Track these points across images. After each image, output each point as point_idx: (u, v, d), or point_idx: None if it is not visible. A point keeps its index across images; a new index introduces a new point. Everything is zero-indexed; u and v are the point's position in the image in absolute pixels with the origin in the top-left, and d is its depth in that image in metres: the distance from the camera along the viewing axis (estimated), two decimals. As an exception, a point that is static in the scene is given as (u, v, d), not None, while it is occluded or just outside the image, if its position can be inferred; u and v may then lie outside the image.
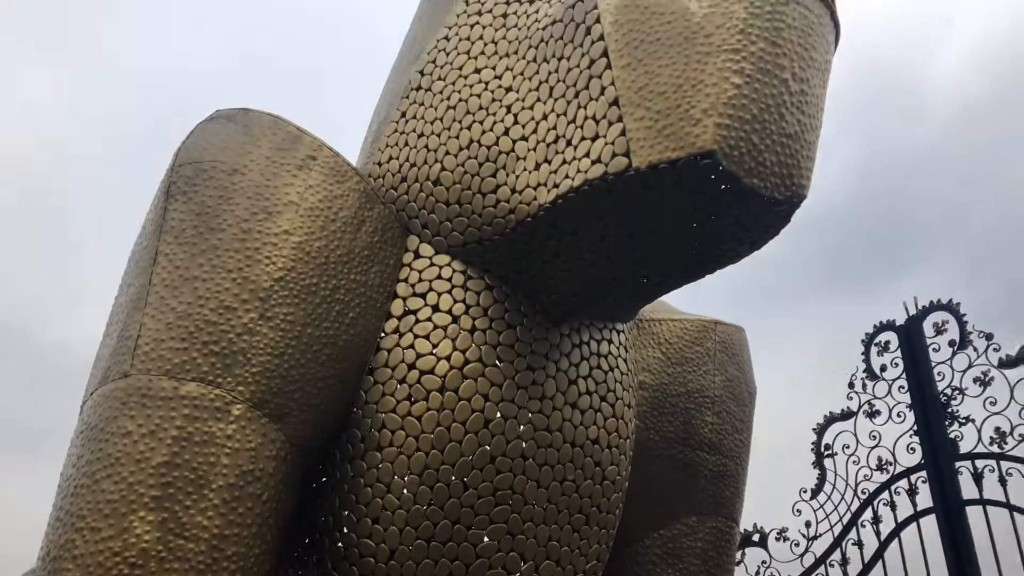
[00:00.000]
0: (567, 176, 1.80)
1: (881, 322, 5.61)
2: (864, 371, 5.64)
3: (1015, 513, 4.62)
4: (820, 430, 5.82)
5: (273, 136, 2.04)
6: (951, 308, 5.30)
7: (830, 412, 5.80)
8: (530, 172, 1.90)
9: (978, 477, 4.86)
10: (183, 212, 1.92)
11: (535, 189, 1.88)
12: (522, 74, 1.98)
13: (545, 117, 1.89)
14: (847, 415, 5.70)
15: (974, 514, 4.89)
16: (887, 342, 5.58)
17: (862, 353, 5.67)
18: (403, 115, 2.21)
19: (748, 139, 1.62)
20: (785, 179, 1.68)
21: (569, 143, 1.81)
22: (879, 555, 5.22)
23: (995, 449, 4.83)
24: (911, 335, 5.44)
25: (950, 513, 4.96)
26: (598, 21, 1.79)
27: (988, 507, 4.79)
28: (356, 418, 2.04)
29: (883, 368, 5.56)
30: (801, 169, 1.70)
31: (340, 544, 2.02)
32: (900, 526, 5.17)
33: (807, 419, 6.02)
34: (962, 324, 5.22)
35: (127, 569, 1.61)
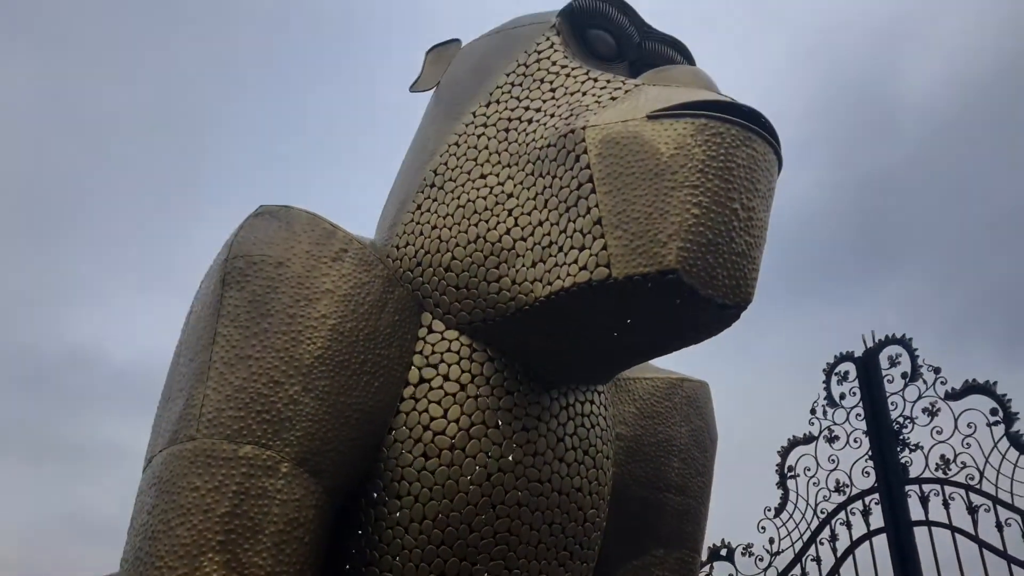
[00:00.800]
0: (559, 277, 2.18)
1: (841, 353, 6.02)
2: (825, 399, 6.05)
3: (956, 534, 5.04)
4: (784, 453, 6.22)
5: (311, 232, 2.41)
6: (904, 343, 5.72)
7: (793, 436, 6.20)
8: (528, 268, 2.27)
9: (924, 500, 5.28)
10: (237, 300, 2.28)
11: (532, 283, 2.26)
12: (521, 184, 2.35)
13: (540, 224, 2.27)
14: (809, 439, 6.11)
15: (920, 534, 5.30)
16: (846, 372, 5.99)
17: (823, 382, 6.08)
18: (418, 207, 2.57)
19: (704, 259, 2.00)
20: (734, 289, 2.06)
21: (561, 249, 2.19)
22: (835, 570, 5.63)
23: (940, 475, 5.25)
24: (868, 367, 5.87)
25: (899, 532, 5.38)
26: (585, 152, 2.16)
27: (933, 528, 5.22)
28: (379, 470, 2.40)
29: (842, 396, 5.97)
30: (747, 281, 2.09)
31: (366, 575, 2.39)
32: (855, 544, 5.58)
33: (773, 442, 6.42)
34: (913, 358, 5.65)
35: None
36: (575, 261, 2.12)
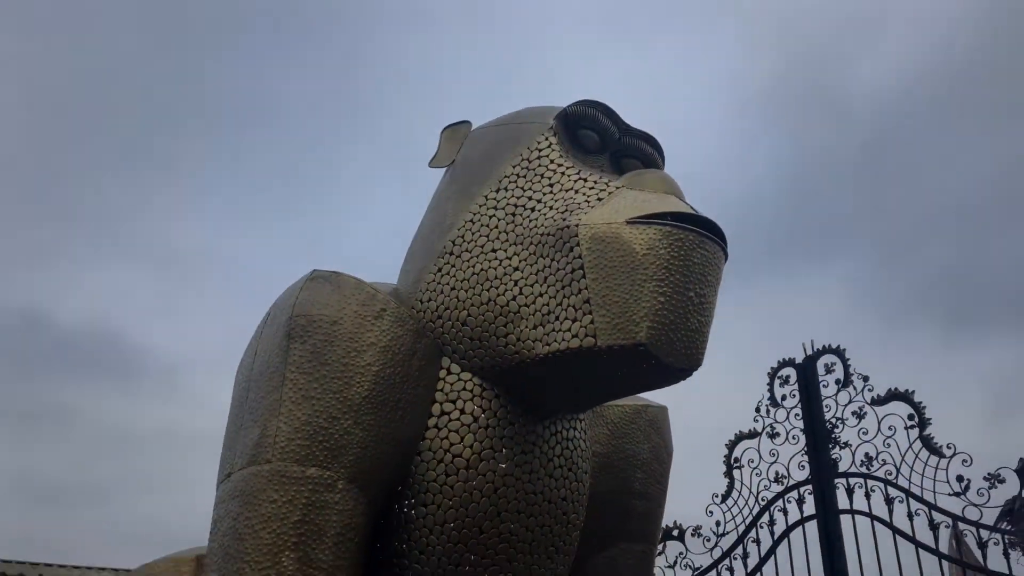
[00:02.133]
0: (556, 340, 2.79)
1: (783, 359, 6.73)
2: (768, 399, 6.76)
3: (875, 521, 5.82)
4: (731, 446, 6.95)
5: (358, 295, 2.99)
6: (839, 352, 6.45)
7: (739, 431, 6.92)
8: (530, 329, 2.88)
9: (850, 491, 6.03)
10: (301, 351, 2.86)
11: (533, 342, 2.87)
12: (525, 260, 2.95)
13: (541, 295, 2.88)
14: (753, 435, 6.82)
15: (845, 520, 6.07)
16: (787, 376, 6.70)
17: (767, 384, 6.79)
18: (439, 270, 3.17)
19: (667, 335, 2.63)
20: (688, 357, 2.70)
21: (557, 318, 2.81)
22: (772, 551, 6.39)
23: (864, 470, 6.01)
24: (806, 372, 6.59)
25: (828, 519, 6.14)
26: (578, 244, 2.77)
27: (856, 515, 6.00)
28: (409, 484, 3.01)
29: (783, 398, 6.68)
30: (698, 350, 2.73)
31: (396, 567, 3.02)
32: (790, 528, 6.34)
33: (722, 436, 7.14)
34: (846, 366, 6.38)
35: None
36: (568, 329, 2.74)
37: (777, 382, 6.74)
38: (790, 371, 6.67)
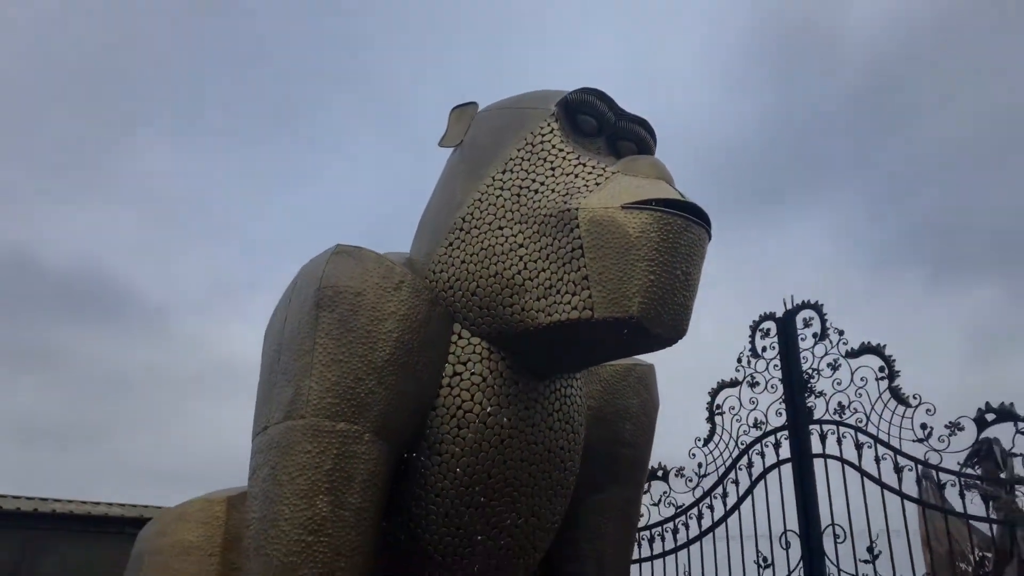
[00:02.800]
0: (557, 312, 3.12)
1: (764, 313, 7.10)
2: (749, 350, 7.16)
3: (845, 465, 6.27)
4: (713, 393, 7.37)
5: (378, 268, 3.30)
6: (816, 307, 6.82)
7: (721, 380, 7.33)
8: (534, 301, 3.21)
9: (823, 437, 6.47)
10: (329, 319, 3.19)
11: (536, 312, 3.20)
12: (529, 238, 3.26)
13: (543, 271, 3.19)
14: (734, 383, 7.23)
15: (818, 464, 6.53)
16: (768, 329, 7.08)
17: (749, 336, 7.17)
18: (450, 244, 3.48)
19: (655, 309, 2.97)
20: (675, 328, 3.04)
21: (558, 292, 3.14)
22: (749, 491, 6.86)
23: (836, 418, 6.44)
24: (785, 326, 6.97)
25: (802, 462, 6.59)
26: (577, 226, 3.08)
27: (828, 459, 6.45)
28: (426, 436, 3.37)
29: (763, 349, 7.08)
30: (683, 322, 3.06)
31: (414, 508, 3.40)
32: (767, 470, 6.79)
33: (705, 384, 7.56)
34: (823, 321, 6.76)
35: (315, 526, 2.96)
36: (568, 302, 3.07)
37: (758, 334, 7.12)
38: (770, 324, 7.05)
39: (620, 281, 2.93)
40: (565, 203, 3.13)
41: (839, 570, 6.19)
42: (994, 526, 5.72)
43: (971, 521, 5.73)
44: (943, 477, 5.80)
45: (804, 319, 6.84)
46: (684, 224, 2.98)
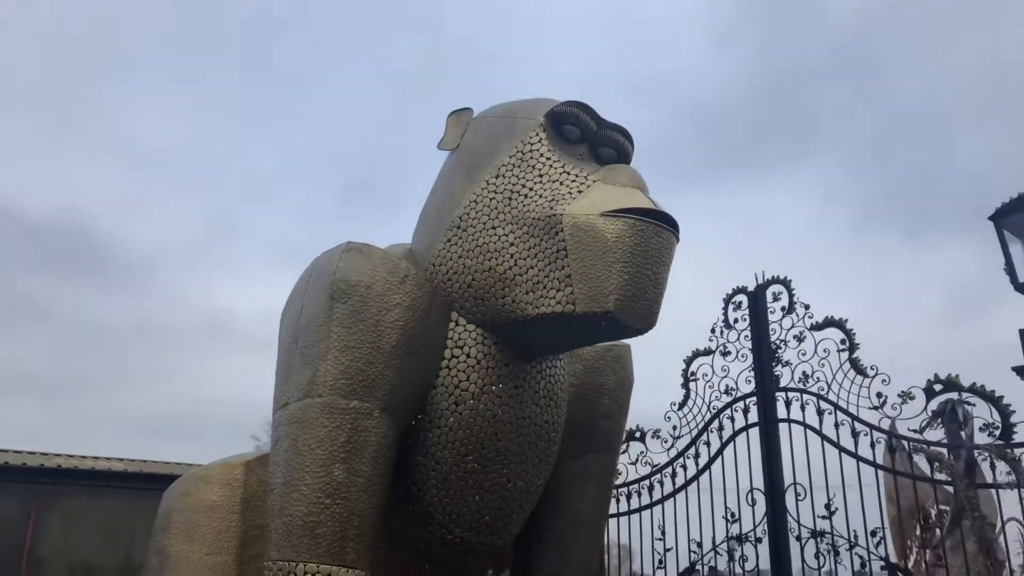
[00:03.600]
0: (543, 304, 3.54)
1: (736, 287, 7.57)
2: (722, 322, 7.63)
3: (808, 429, 6.79)
4: (688, 361, 7.85)
5: (385, 264, 3.71)
6: (785, 283, 7.28)
7: (696, 349, 7.81)
8: (523, 294, 3.63)
9: (788, 404, 6.98)
10: (342, 310, 3.60)
11: (525, 304, 3.62)
12: (520, 238, 3.66)
13: (532, 268, 3.61)
14: (708, 352, 7.72)
15: (783, 428, 7.05)
16: (740, 302, 7.54)
17: (722, 308, 7.63)
18: (448, 241, 3.88)
19: (629, 304, 3.40)
20: (645, 320, 3.47)
21: (544, 287, 3.55)
22: (720, 452, 7.39)
23: (801, 386, 6.95)
24: (756, 300, 7.44)
25: (768, 426, 7.11)
26: (562, 230, 3.49)
27: (792, 424, 6.97)
28: (427, 411, 3.83)
29: (735, 321, 7.54)
30: (653, 315, 3.49)
31: (417, 474, 3.86)
32: (736, 433, 7.30)
33: (681, 352, 8.04)
34: (791, 295, 7.22)
35: (331, 487, 3.40)
36: (553, 297, 3.49)
37: (731, 307, 7.59)
38: (742, 297, 7.52)
39: (598, 280, 3.36)
40: (551, 209, 3.54)
41: (799, 524, 6.75)
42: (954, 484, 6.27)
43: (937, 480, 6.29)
44: (894, 442, 6.32)
45: (774, 293, 7.31)
46: (655, 230, 3.40)
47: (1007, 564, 6.27)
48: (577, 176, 3.62)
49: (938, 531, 7.28)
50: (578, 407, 4.34)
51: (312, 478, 3.42)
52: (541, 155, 3.74)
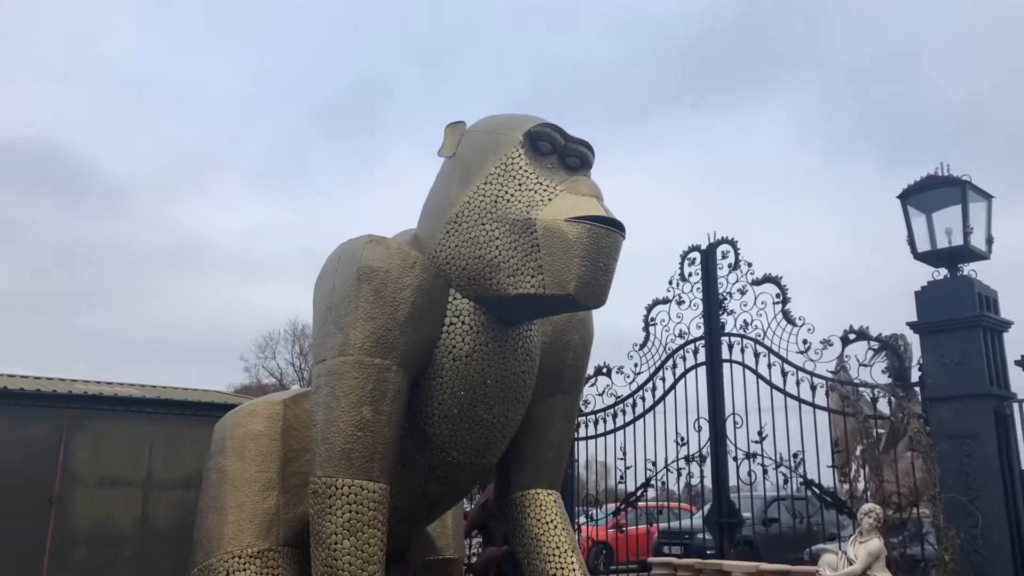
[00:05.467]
0: (521, 287, 4.58)
1: (691, 246, 8.69)
2: (678, 275, 8.78)
3: (746, 369, 8.03)
4: (648, 308, 9.03)
5: (399, 253, 4.76)
6: (732, 243, 8.41)
7: (656, 298, 8.98)
8: (506, 278, 4.66)
9: (731, 347, 8.21)
10: (367, 289, 4.67)
11: (507, 287, 4.65)
12: (503, 234, 4.68)
13: (512, 258, 4.64)
14: (665, 301, 8.89)
15: (726, 367, 8.28)
16: (693, 258, 8.70)
17: (679, 263, 8.78)
18: (447, 233, 4.92)
19: (585, 288, 4.47)
20: (597, 300, 4.55)
21: (522, 274, 4.60)
22: (673, 386, 8.64)
23: (742, 332, 8.15)
24: (707, 257, 8.57)
25: (714, 365, 8.34)
26: (536, 231, 4.56)
27: (733, 364, 8.21)
28: (431, 366, 4.95)
29: (689, 274, 8.69)
30: (604, 296, 4.54)
31: (423, 412, 5.01)
32: (687, 371, 8.55)
33: (643, 300, 9.20)
34: (736, 254, 8.36)
35: (361, 423, 4.49)
36: (529, 282, 4.55)
37: (686, 262, 8.74)
38: (696, 255, 8.67)
39: (563, 270, 4.45)
40: (527, 213, 4.60)
41: (736, 448, 8.06)
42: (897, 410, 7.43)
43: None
44: (815, 380, 7.55)
45: (722, 252, 8.45)
46: (605, 232, 4.47)
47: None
48: (548, 186, 4.67)
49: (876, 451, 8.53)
50: (548, 358, 5.47)
51: (346, 416, 4.56)
52: (520, 168, 4.76)
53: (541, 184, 4.65)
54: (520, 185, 4.66)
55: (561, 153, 4.87)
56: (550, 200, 4.57)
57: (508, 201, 4.65)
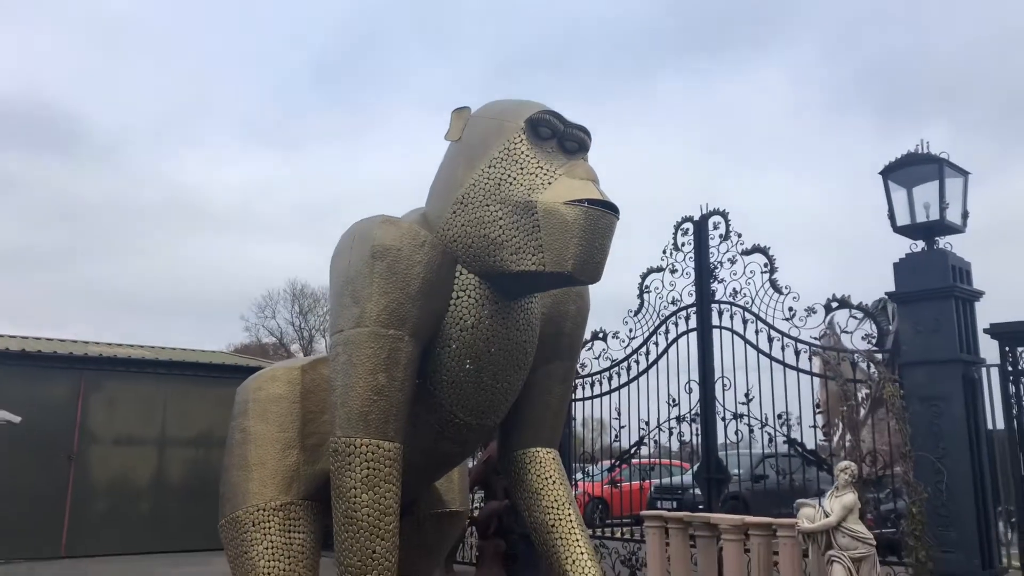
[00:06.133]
0: (523, 264, 4.97)
1: (684, 216, 9.08)
2: (672, 244, 9.17)
3: (734, 334, 8.47)
4: (643, 276, 9.44)
5: (410, 232, 5.14)
6: (723, 214, 8.79)
7: (650, 266, 9.38)
8: (509, 255, 5.06)
9: (720, 314, 8.64)
10: (381, 266, 5.06)
11: (510, 263, 5.03)
12: (506, 215, 5.05)
13: (514, 237, 5.03)
14: (659, 269, 9.30)
15: (716, 333, 8.73)
16: (687, 228, 9.09)
17: (672, 233, 9.18)
18: (454, 213, 5.29)
19: (581, 266, 4.86)
20: (592, 276, 4.94)
21: (523, 252, 5.01)
22: (666, 350, 9.09)
23: (731, 300, 8.58)
24: (700, 227, 8.96)
25: (704, 331, 8.78)
26: (536, 212, 4.94)
27: (723, 330, 8.65)
28: (439, 336, 5.37)
29: (682, 244, 9.08)
30: (599, 272, 4.94)
31: (432, 378, 5.45)
32: (678, 336, 8.98)
33: (638, 268, 9.61)
34: (728, 225, 8.74)
35: (377, 388, 4.92)
36: (530, 260, 4.94)
37: (679, 232, 9.13)
38: (688, 225, 9.05)
39: (561, 249, 4.85)
40: (529, 195, 4.99)
41: (724, 408, 8.53)
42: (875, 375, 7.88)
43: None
44: (800, 346, 7.99)
45: (713, 223, 8.84)
46: (600, 214, 4.87)
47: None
48: (548, 170, 5.04)
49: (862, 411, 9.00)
50: (547, 328, 5.90)
51: (363, 382, 4.99)
52: (522, 152, 5.13)
53: (541, 168, 5.01)
54: (522, 169, 5.03)
55: (560, 138, 5.22)
56: (550, 184, 4.94)
57: (511, 184, 5.02)
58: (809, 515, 6.84)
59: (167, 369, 13.81)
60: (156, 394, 13.64)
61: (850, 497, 6.63)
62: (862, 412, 7.95)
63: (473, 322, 5.29)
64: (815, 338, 7.96)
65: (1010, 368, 6.61)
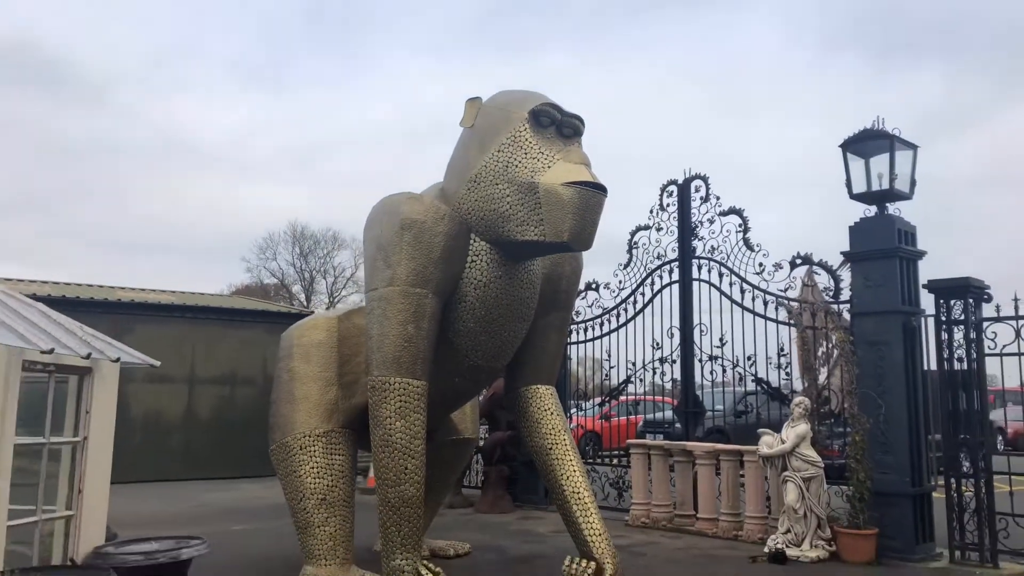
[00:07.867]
0: (527, 235, 5.95)
1: (669, 180, 10.09)
2: (658, 205, 10.17)
3: (711, 287, 9.55)
4: (632, 233, 10.45)
5: (432, 207, 6.11)
6: (704, 178, 9.77)
7: (638, 224, 10.39)
8: (515, 227, 6.05)
9: (700, 268, 9.70)
10: (408, 236, 6.05)
11: (515, 234, 6.04)
12: (513, 193, 6.00)
13: (519, 212, 6.04)
14: (647, 227, 10.30)
15: (696, 285, 9.80)
16: (672, 191, 10.11)
17: (659, 194, 10.18)
18: (468, 190, 6.24)
19: (576, 237, 5.83)
20: (584, 245, 5.93)
21: (528, 224, 6.01)
22: (651, 300, 10.17)
23: (710, 255, 9.63)
24: (683, 190, 9.95)
25: (685, 283, 9.86)
26: (538, 192, 5.93)
27: (702, 283, 9.73)
28: (456, 293, 6.41)
29: (667, 204, 10.10)
30: (590, 242, 5.89)
31: (451, 327, 6.51)
32: (662, 287, 10.04)
33: (628, 226, 10.62)
34: (708, 188, 9.73)
35: (406, 336, 6.00)
36: (533, 231, 5.90)
37: (665, 194, 10.13)
38: (673, 187, 10.05)
39: (559, 223, 5.86)
40: (531, 177, 5.98)
41: (701, 351, 9.65)
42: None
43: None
44: (768, 298, 9.07)
45: (695, 186, 9.84)
46: (592, 194, 5.87)
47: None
48: (547, 155, 6.02)
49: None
50: (546, 285, 6.95)
51: (395, 331, 6.06)
52: (526, 140, 6.11)
53: (542, 153, 6.01)
54: (526, 154, 6.02)
55: (558, 125, 6.22)
56: (549, 167, 5.95)
57: (516, 167, 6.02)
58: (768, 442, 8.02)
59: (194, 314, 14.90)
60: (185, 337, 14.74)
61: (803, 427, 7.79)
62: (820, 353, 9.05)
63: (485, 281, 6.34)
64: (781, 291, 9.02)
65: (943, 318, 7.69)
